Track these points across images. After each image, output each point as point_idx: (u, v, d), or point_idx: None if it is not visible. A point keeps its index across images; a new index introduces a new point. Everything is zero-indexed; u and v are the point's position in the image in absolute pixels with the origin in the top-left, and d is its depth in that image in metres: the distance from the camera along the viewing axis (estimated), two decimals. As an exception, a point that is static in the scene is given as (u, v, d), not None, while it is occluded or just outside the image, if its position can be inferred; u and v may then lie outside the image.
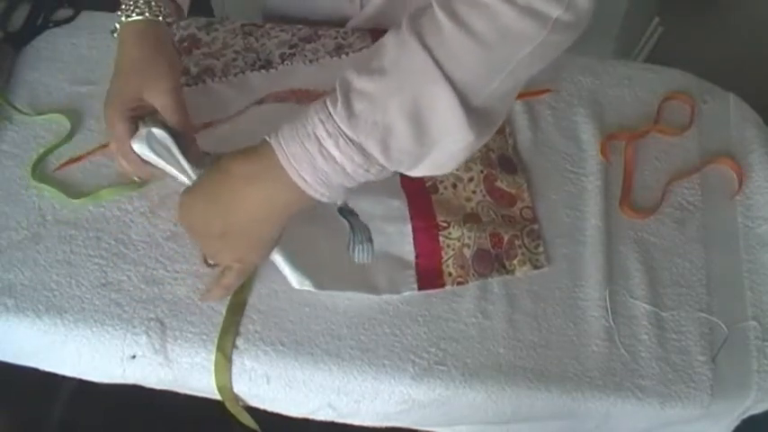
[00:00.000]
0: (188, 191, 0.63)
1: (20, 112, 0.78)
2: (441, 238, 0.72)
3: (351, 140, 0.54)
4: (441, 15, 0.52)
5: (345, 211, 0.73)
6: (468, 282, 0.71)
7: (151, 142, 0.66)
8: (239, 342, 0.67)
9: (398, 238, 0.72)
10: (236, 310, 0.68)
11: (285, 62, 0.82)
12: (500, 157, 0.78)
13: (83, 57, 0.83)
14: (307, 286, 0.67)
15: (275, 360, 0.66)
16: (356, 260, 0.71)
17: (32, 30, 0.84)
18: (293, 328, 0.68)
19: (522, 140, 0.80)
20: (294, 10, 0.90)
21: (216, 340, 0.66)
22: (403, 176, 0.75)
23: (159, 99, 0.67)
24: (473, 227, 0.72)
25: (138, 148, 0.66)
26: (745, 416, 0.72)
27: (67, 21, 0.85)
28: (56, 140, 0.76)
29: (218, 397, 0.68)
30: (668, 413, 0.68)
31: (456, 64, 0.52)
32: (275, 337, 0.67)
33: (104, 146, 0.76)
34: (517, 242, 0.73)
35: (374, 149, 0.54)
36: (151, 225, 0.72)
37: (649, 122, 0.83)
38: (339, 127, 0.53)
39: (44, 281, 0.68)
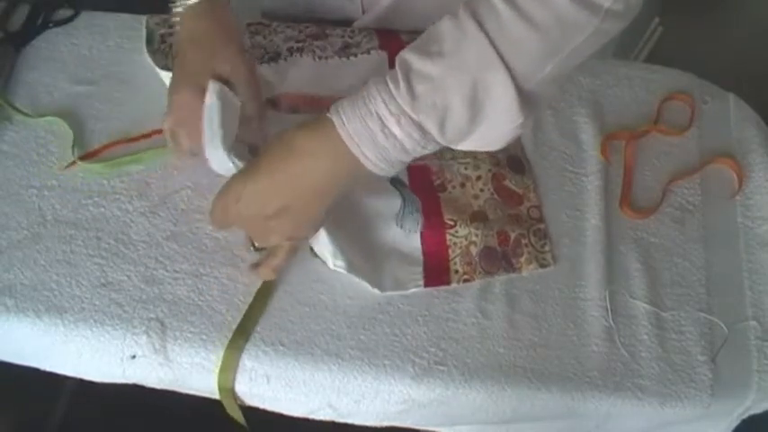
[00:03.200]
0: (243, 173, 0.63)
1: (20, 112, 0.78)
2: (448, 237, 0.72)
3: (411, 120, 0.56)
4: (498, 2, 0.53)
5: (397, 182, 0.75)
6: (474, 279, 0.71)
7: (221, 94, 0.66)
8: (239, 342, 0.67)
9: (406, 236, 0.73)
10: (259, 306, 0.68)
11: (294, 54, 0.83)
12: (509, 157, 0.78)
13: (83, 57, 0.83)
14: (340, 267, 0.68)
15: (275, 360, 0.66)
16: (404, 229, 0.73)
17: (32, 30, 0.84)
18: (293, 328, 0.68)
19: (523, 140, 0.80)
20: (293, 10, 0.90)
21: (216, 340, 0.66)
22: (411, 174, 0.76)
23: (229, 64, 0.68)
24: (480, 225, 0.73)
25: (210, 93, 0.66)
26: (745, 416, 0.72)
27: (67, 21, 0.85)
28: (56, 140, 0.76)
29: (218, 397, 0.68)
30: (668, 413, 0.68)
31: (513, 50, 0.54)
32: (275, 337, 0.67)
33: (111, 144, 0.76)
34: (524, 241, 0.73)
35: (432, 128, 0.57)
36: (151, 225, 0.72)
37: (649, 122, 0.83)
38: (401, 107, 0.56)
39: (44, 281, 0.69)
